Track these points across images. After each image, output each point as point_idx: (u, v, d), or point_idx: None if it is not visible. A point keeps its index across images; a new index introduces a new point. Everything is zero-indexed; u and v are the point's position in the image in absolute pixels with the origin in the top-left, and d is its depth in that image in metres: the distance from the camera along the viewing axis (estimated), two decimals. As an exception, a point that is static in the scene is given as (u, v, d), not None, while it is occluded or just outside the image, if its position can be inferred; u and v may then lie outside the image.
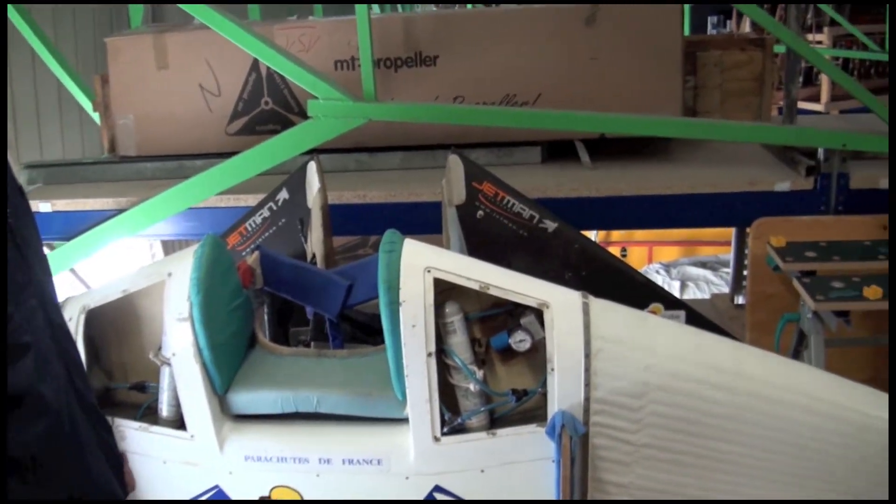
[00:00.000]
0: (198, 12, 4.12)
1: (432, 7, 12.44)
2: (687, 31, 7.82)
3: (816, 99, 9.84)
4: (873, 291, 3.57)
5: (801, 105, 8.64)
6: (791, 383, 2.64)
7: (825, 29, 10.19)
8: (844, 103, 9.32)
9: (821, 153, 4.38)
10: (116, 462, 2.69)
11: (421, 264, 2.59)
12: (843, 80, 4.78)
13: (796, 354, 3.86)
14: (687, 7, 7.98)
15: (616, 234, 12.31)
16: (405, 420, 2.66)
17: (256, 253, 3.20)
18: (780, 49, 6.13)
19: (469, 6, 10.91)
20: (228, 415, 2.80)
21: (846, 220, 4.21)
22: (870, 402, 2.64)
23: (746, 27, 10.58)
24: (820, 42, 10.09)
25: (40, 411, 2.15)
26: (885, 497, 2.61)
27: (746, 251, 4.55)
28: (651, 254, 12.64)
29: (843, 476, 2.65)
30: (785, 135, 4.63)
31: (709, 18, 12.30)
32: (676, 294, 9.88)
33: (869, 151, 4.59)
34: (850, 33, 10.00)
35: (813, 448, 2.61)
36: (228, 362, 2.82)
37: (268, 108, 5.05)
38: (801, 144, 4.56)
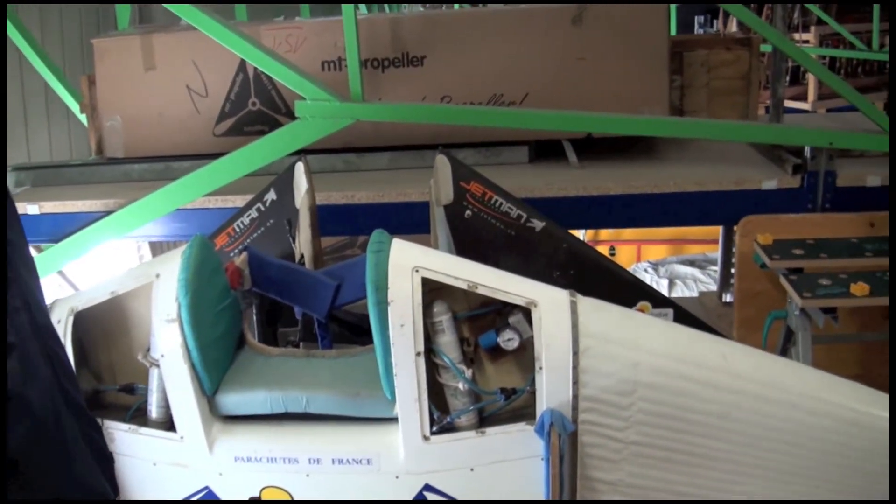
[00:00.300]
0: (184, 13, 4.11)
1: (419, 7, 12.44)
2: (673, 31, 7.85)
3: (803, 98, 9.90)
4: (860, 288, 3.59)
5: (788, 104, 8.70)
6: (779, 380, 2.65)
7: (812, 28, 10.24)
8: (831, 102, 9.37)
9: (808, 151, 4.40)
10: (106, 462, 2.69)
11: (409, 264, 2.60)
12: (829, 78, 4.80)
13: (784, 351, 3.88)
14: (673, 7, 8.02)
15: (604, 233, 12.35)
16: (394, 419, 2.66)
17: (244, 254, 3.20)
18: (766, 48, 6.16)
19: (456, 6, 10.92)
20: (218, 416, 2.80)
21: (833, 217, 4.23)
22: (858, 398, 2.66)
23: (733, 27, 10.62)
24: (807, 41, 10.14)
25: (25, 413, 2.14)
26: (878, 490, 2.63)
27: (734, 249, 4.56)
28: (639, 252, 12.68)
29: (832, 471, 2.67)
30: (772, 133, 4.65)
31: (695, 18, 12.33)
32: (664, 292, 9.91)
33: (855, 149, 4.61)
34: (837, 32, 10.05)
35: (801, 444, 2.62)
36: (217, 363, 2.81)
37: (255, 108, 5.05)
38: (788, 143, 4.59)
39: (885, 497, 2.61)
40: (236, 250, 3.87)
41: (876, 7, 9.79)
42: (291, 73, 4.23)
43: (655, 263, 11.83)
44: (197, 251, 2.81)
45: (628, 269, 9.66)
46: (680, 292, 10.85)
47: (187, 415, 2.74)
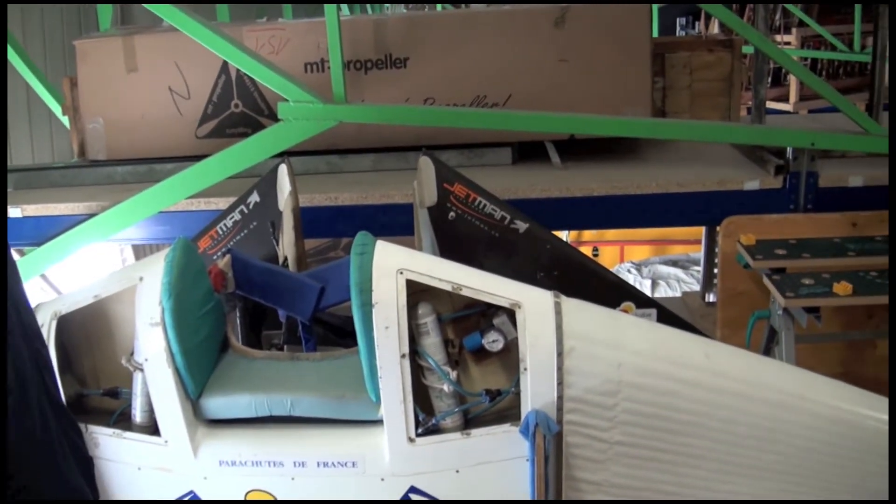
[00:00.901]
0: (166, 14, 4.09)
1: (402, 8, 12.44)
2: (655, 33, 7.88)
3: (785, 99, 9.95)
4: (843, 287, 3.62)
5: (770, 105, 8.73)
6: (763, 379, 2.66)
7: (793, 30, 10.30)
8: (813, 103, 9.43)
9: (790, 152, 4.42)
10: (86, 464, 2.68)
11: (393, 266, 2.59)
12: (810, 80, 4.84)
13: (767, 351, 3.90)
14: (655, 9, 8.04)
15: (587, 234, 12.38)
16: (379, 422, 2.66)
17: (228, 256, 3.19)
18: (748, 50, 6.20)
19: (439, 7, 10.91)
20: (202, 420, 2.78)
21: (815, 217, 4.26)
22: (841, 397, 2.68)
23: (715, 28, 10.68)
24: (788, 43, 10.20)
25: (19, 411, 2.14)
26: (864, 488, 2.65)
27: (717, 249, 4.59)
28: (622, 253, 12.72)
29: (817, 469, 2.68)
30: (754, 134, 4.67)
31: (677, 20, 12.38)
32: (647, 293, 9.94)
33: (837, 150, 4.64)
34: (819, 34, 10.11)
35: (786, 442, 2.64)
36: (201, 367, 2.80)
37: (237, 110, 5.03)
38: (771, 144, 4.61)
39: (875, 492, 2.63)
40: (220, 253, 3.86)
41: (857, 8, 9.87)
42: (274, 75, 4.22)
43: (639, 264, 11.88)
44: (180, 254, 2.79)
45: (612, 269, 9.67)
46: (663, 292, 10.90)
47: (171, 419, 2.72)
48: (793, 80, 9.82)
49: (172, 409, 2.71)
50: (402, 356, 2.56)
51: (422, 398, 2.67)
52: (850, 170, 4.50)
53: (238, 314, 3.28)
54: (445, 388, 2.67)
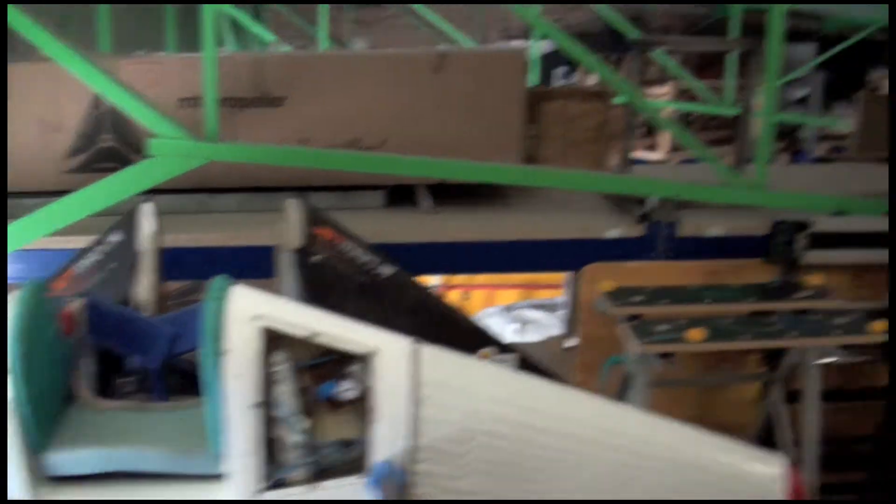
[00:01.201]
0: (42, 42, 3.96)
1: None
2: (536, 82, 8.04)
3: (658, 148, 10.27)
4: (696, 334, 3.75)
5: (644, 154, 9.01)
6: (613, 425, 2.73)
7: (670, 82, 10.64)
8: (686, 153, 9.73)
9: (651, 202, 4.55)
10: None
11: (248, 312, 2.56)
12: (676, 132, 5.01)
13: (622, 396, 3.99)
14: (536, 58, 8.21)
15: (458, 278, 12.41)
16: (225, 476, 2.60)
17: (80, 300, 3.09)
18: (622, 100, 6.38)
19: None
20: (44, 476, 2.64)
21: (673, 265, 4.41)
22: (690, 440, 2.77)
23: (594, 79, 10.96)
24: (664, 94, 10.53)
25: None
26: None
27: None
28: (492, 297, 12.78)
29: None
30: (618, 184, 4.78)
31: (555, 70, 12.64)
32: (516, 337, 10.03)
33: (698, 201, 4.80)
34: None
35: (636, 487, 2.71)
36: (46, 418, 2.68)
37: (107, 145, 4.89)
38: (634, 193, 4.73)
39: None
40: (73, 295, 3.73)
41: (730, 62, 10.24)
42: (145, 109, 4.12)
43: (507, 308, 11.94)
44: (28, 297, 2.69)
45: (480, 313, 9.83)
46: (531, 336, 10.98)
47: (11, 475, 2.57)
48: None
49: (13, 465, 2.56)
50: (253, 406, 2.52)
51: (271, 449, 2.62)
52: (709, 220, 4.67)
53: (90, 360, 3.16)
54: (296, 438, 2.63)
